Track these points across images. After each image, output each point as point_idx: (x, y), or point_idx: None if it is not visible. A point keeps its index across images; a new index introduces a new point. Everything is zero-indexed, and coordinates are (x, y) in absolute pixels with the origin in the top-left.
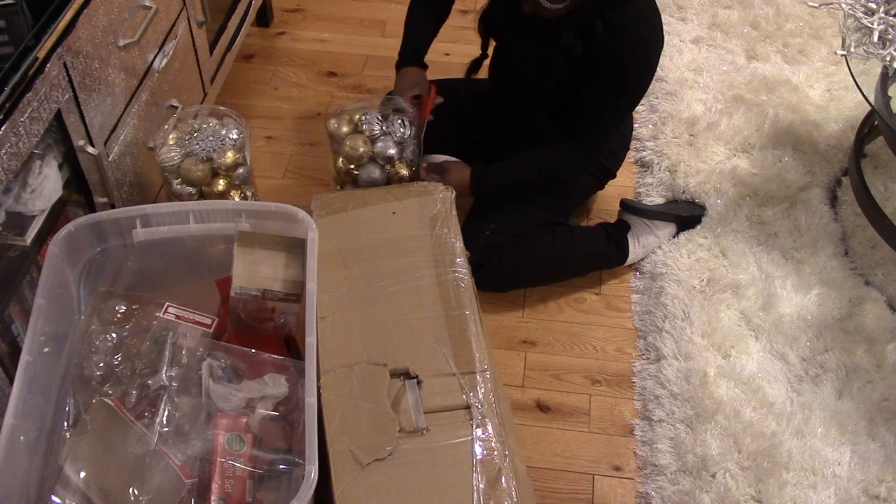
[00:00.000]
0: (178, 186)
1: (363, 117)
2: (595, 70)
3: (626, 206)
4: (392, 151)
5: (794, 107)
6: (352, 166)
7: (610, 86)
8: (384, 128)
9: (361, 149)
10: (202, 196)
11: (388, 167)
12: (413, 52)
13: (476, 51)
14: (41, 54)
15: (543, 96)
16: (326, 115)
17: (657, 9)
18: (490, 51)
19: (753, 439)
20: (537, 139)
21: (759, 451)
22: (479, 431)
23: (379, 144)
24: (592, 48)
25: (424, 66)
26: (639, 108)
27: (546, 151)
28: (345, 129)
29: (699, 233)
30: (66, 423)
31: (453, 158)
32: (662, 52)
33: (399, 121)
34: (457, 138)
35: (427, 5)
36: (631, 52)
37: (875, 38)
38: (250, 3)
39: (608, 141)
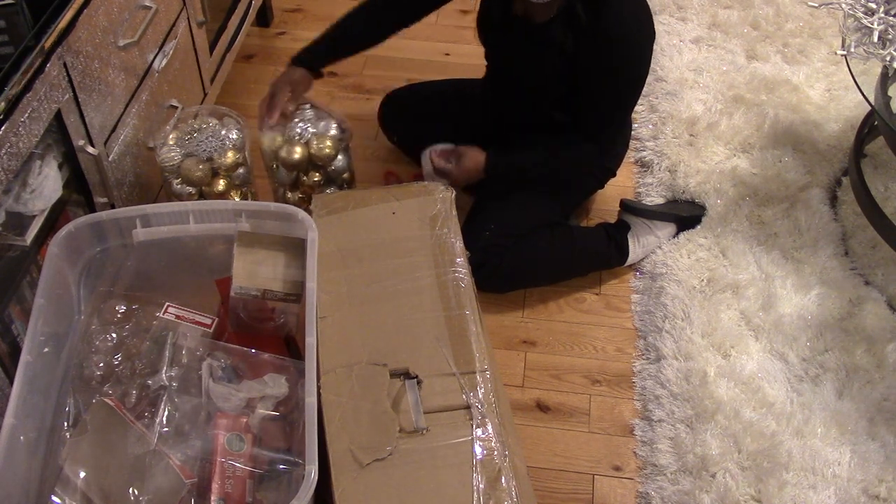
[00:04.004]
0: (178, 186)
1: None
2: (591, 66)
3: (626, 207)
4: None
5: (794, 107)
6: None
7: (608, 81)
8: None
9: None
10: (202, 196)
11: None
12: (318, 56)
13: (475, 51)
14: (41, 54)
15: (548, 99)
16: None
17: (646, 3)
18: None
19: (753, 439)
20: (539, 139)
21: (759, 451)
22: (479, 431)
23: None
24: (583, 43)
25: (318, 75)
26: (639, 108)
27: (564, 146)
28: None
29: (699, 233)
30: (66, 423)
31: (451, 146)
32: (663, 53)
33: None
34: (449, 140)
35: (381, 11)
36: (621, 44)
37: (875, 38)
38: (250, 3)
39: (617, 136)
